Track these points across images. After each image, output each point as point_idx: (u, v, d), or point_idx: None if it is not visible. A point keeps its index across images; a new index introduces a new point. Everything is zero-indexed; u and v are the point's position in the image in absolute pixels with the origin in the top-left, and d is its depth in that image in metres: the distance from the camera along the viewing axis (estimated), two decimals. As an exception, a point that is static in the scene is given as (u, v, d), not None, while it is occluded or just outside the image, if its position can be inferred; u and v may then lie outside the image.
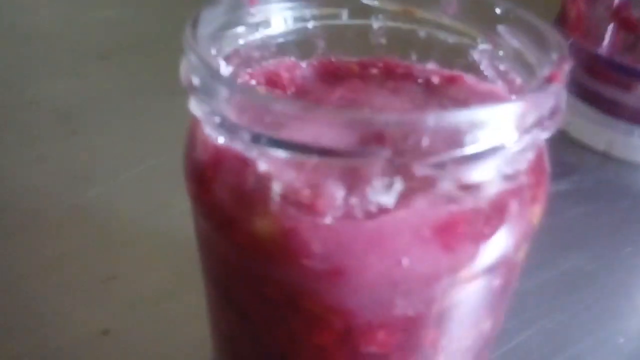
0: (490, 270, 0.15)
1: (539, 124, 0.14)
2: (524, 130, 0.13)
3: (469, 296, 0.16)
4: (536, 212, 0.16)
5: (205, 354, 0.24)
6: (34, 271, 0.31)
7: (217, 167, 0.16)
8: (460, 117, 0.12)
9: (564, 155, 0.43)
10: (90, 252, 0.32)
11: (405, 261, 0.14)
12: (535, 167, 0.16)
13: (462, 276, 0.15)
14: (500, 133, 0.13)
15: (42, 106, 0.45)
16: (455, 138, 0.13)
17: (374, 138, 0.13)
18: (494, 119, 0.13)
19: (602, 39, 0.39)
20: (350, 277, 0.14)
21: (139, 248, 0.32)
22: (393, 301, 0.15)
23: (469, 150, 0.13)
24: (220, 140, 0.15)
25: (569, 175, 0.40)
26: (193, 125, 0.17)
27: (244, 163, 0.15)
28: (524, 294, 0.30)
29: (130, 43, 0.54)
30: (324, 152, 0.13)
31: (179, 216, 0.34)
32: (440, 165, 0.13)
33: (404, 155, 0.13)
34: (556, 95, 0.14)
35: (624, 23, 0.38)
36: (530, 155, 0.15)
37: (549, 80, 0.14)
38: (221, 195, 0.15)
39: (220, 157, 0.15)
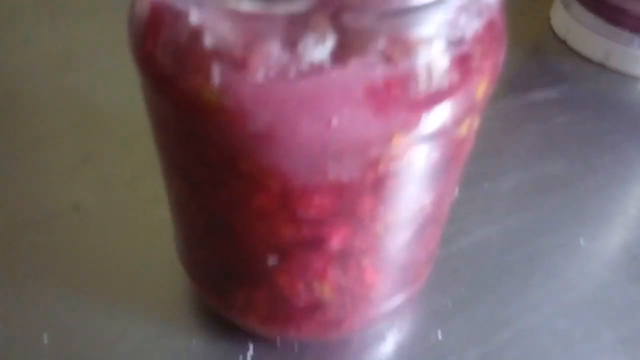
0: (427, 140, 0.15)
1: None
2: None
3: (405, 166, 0.16)
4: (481, 86, 0.15)
5: (170, 239, 0.25)
6: (10, 151, 0.31)
7: (153, 23, 0.15)
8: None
9: (559, 64, 0.41)
10: (68, 134, 0.33)
11: (335, 122, 0.14)
12: (484, 38, 0.15)
13: (396, 143, 0.15)
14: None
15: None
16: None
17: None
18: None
19: None
20: (282, 138, 0.14)
21: (115, 131, 0.33)
22: (325, 165, 0.15)
23: (405, 3, 0.12)
24: (155, -10, 0.14)
25: (561, 84, 0.39)
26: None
27: (178, 16, 0.14)
28: (493, 193, 0.31)
29: None
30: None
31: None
32: (376, 17, 0.12)
33: (335, 3, 0.12)
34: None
35: None
36: (477, 24, 0.15)
37: None
38: (157, 54, 0.15)
39: (155, 12, 0.15)
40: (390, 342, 0.24)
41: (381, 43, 0.13)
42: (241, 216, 0.17)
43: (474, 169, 0.32)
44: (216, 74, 0.14)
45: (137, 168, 0.31)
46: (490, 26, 0.15)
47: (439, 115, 0.15)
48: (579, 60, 0.41)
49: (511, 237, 0.29)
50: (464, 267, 0.27)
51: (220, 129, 0.15)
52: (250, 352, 0.23)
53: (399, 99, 0.14)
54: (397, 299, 0.22)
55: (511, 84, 0.39)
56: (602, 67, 0.40)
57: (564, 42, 0.43)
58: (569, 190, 0.31)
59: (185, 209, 0.19)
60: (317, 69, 0.14)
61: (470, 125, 0.17)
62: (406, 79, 0.14)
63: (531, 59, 0.42)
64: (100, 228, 0.28)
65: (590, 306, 0.26)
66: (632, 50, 0.39)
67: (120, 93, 0.35)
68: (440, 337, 0.24)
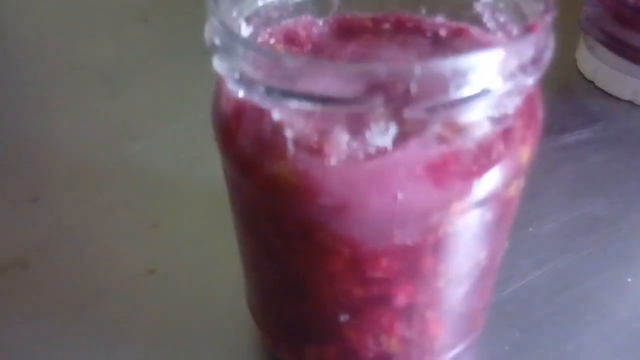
0: (480, 204, 0.17)
1: (521, 70, 0.15)
2: (507, 76, 0.15)
3: (461, 228, 0.18)
4: (524, 152, 0.17)
5: (238, 288, 0.27)
6: (83, 220, 0.34)
7: (238, 119, 0.18)
8: (444, 65, 0.14)
9: (589, 104, 0.43)
10: (134, 202, 0.35)
11: (400, 196, 0.16)
12: (525, 111, 0.17)
13: (453, 210, 0.17)
14: (484, 79, 0.15)
15: (87, 68, 0.48)
16: (442, 84, 0.14)
17: (373, 87, 0.15)
18: (476, 65, 0.14)
19: (630, -16, 0.39)
20: (354, 210, 0.16)
21: (178, 197, 0.35)
22: (392, 232, 0.17)
23: (455, 95, 0.14)
24: (240, 94, 0.17)
25: (594, 124, 0.41)
26: (218, 83, 0.19)
27: (261, 114, 0.17)
28: (538, 236, 0.32)
29: (169, 5, 0.57)
30: (328, 100, 0.15)
31: (212, 168, 0.37)
32: (430, 110, 0.15)
33: (396, 102, 0.14)
34: (536, 43, 0.15)
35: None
36: (517, 100, 0.17)
37: (529, 30, 0.15)
38: (243, 143, 0.18)
39: (240, 109, 0.18)
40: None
41: (436, 128, 0.16)
42: (314, 278, 0.19)
43: (516, 214, 0.34)
44: (296, 160, 0.16)
45: (200, 231, 0.33)
46: (529, 100, 0.17)
47: (489, 182, 0.17)
48: (608, 100, 0.43)
49: (559, 279, 0.30)
50: (515, 313, 0.28)
51: (300, 206, 0.17)
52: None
53: (454, 172, 0.16)
54: (459, 348, 0.23)
55: (543, 127, 0.41)
56: (631, 104, 0.42)
57: (591, 83, 0.44)
58: (610, 230, 0.32)
59: (261, 271, 0.21)
60: (382, 152, 0.16)
61: (517, 186, 0.19)
62: (459, 155, 0.16)
63: (561, 102, 0.44)
64: (175, 289, 0.30)
65: (643, 344, 0.27)
66: (660, 87, 0.41)
67: (179, 161, 0.38)
68: (500, 381, 0.25)
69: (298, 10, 0.23)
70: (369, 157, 0.16)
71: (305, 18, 0.23)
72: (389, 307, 0.20)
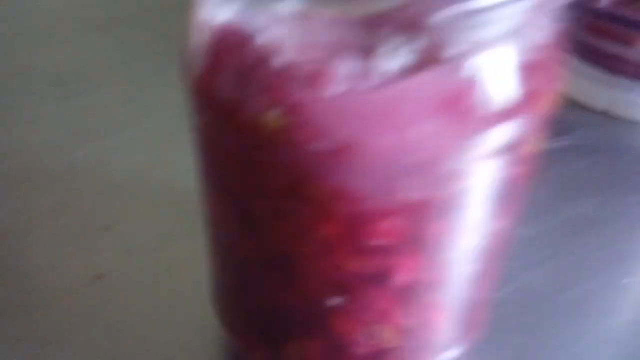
0: (497, 155, 0.15)
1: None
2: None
3: (474, 186, 0.15)
4: (548, 98, 0.15)
5: (198, 298, 0.24)
6: (30, 222, 0.30)
7: (215, 50, 0.15)
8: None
9: (564, 114, 0.42)
10: (85, 205, 0.32)
11: (409, 133, 0.13)
12: (552, 47, 0.15)
13: (467, 157, 0.14)
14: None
15: (38, 73, 0.45)
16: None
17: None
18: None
19: (602, -6, 0.39)
20: (355, 153, 0.14)
21: (132, 201, 0.32)
22: (398, 181, 0.14)
23: (475, 3, 0.12)
24: (219, 17, 0.14)
25: (570, 133, 0.40)
26: (191, 12, 0.16)
27: (244, 40, 0.14)
28: (531, 237, 0.30)
29: (128, 16, 0.54)
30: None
31: (171, 172, 0.34)
32: (448, 21, 0.12)
33: (415, 7, 0.12)
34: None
35: (623, -25, 0.37)
36: (547, 31, 0.15)
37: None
38: (220, 79, 0.15)
39: (218, 38, 0.15)
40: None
41: (451, 51, 0.13)
42: (302, 251, 0.16)
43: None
44: (285, 93, 0.14)
45: (154, 236, 0.30)
46: (557, 35, 0.15)
47: (509, 128, 0.15)
48: (583, 110, 0.42)
49: (555, 280, 0.28)
50: (513, 317, 0.26)
51: (291, 151, 0.14)
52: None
53: (470, 109, 0.14)
54: (459, 348, 0.20)
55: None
56: (605, 115, 0.41)
57: (566, 94, 0.44)
58: (601, 231, 0.31)
59: (235, 251, 0.18)
60: (388, 80, 0.13)
61: (537, 145, 0.16)
62: (477, 89, 0.14)
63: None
64: (124, 297, 0.26)
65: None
66: (634, 97, 0.40)
67: (132, 165, 0.35)
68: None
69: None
70: (373, 87, 0.13)
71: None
72: (387, 288, 0.17)
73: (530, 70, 0.14)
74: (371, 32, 0.13)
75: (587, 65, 0.42)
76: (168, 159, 0.35)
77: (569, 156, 0.38)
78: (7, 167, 0.35)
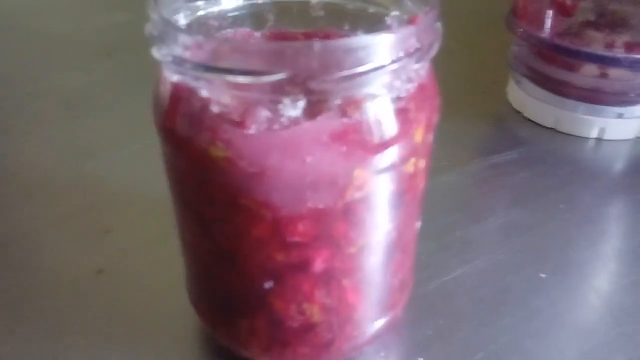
0: (381, 173, 0.20)
1: (407, 54, 0.19)
2: (395, 58, 0.18)
3: (367, 196, 0.20)
4: (418, 132, 0.21)
5: (182, 291, 0.29)
6: (42, 226, 0.36)
7: (173, 101, 0.20)
8: (341, 43, 0.17)
9: (517, 131, 0.47)
10: (89, 211, 0.37)
11: (309, 160, 0.19)
12: (418, 96, 0.21)
13: (357, 176, 0.20)
14: (375, 57, 0.18)
15: (50, 96, 0.51)
16: (340, 60, 0.17)
17: (284, 64, 0.18)
18: (368, 45, 0.17)
19: (545, 24, 0.44)
20: (272, 175, 0.19)
21: (131, 209, 0.38)
22: (305, 195, 0.20)
23: (352, 70, 0.18)
24: (174, 76, 0.20)
25: (520, 147, 0.45)
26: (157, 73, 0.22)
27: (191, 93, 0.20)
28: (465, 241, 0.35)
29: (133, 43, 0.60)
30: (244, 73, 0.18)
31: (163, 184, 0.39)
32: (330, 82, 0.18)
33: (301, 75, 0.17)
34: (417, 34, 0.19)
35: (559, 9, 0.42)
36: (409, 87, 0.20)
37: (410, 22, 0.19)
38: (177, 121, 0.20)
39: (175, 92, 0.20)
40: (378, 369, 0.27)
41: (338, 101, 0.19)
42: (242, 246, 0.21)
43: (448, 220, 0.37)
44: (221, 131, 0.19)
45: (150, 238, 0.35)
46: (421, 88, 0.21)
47: (388, 154, 0.20)
48: (534, 127, 0.47)
49: (482, 275, 0.33)
50: (440, 303, 0.31)
51: (226, 172, 0.19)
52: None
53: (355, 141, 0.19)
54: (379, 323, 0.25)
55: (477, 149, 0.45)
56: (553, 131, 0.46)
57: (520, 113, 0.49)
58: (530, 234, 0.36)
59: (196, 247, 0.24)
60: (293, 122, 0.19)
61: (416, 164, 0.22)
62: (359, 127, 0.19)
63: (493, 129, 0.48)
64: (121, 288, 0.32)
65: (554, 327, 0.29)
66: (578, 115, 0.45)
67: (133, 178, 0.40)
68: (422, 361, 0.27)
69: (236, 22, 0.26)
70: (282, 127, 0.19)
71: (244, 29, 0.26)
72: (309, 273, 0.22)
73: (399, 112, 0.20)
74: (277, 91, 0.18)
75: (536, 86, 0.47)
76: (162, 173, 0.41)
77: (516, 167, 0.43)
78: (22, 179, 0.40)
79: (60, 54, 0.59)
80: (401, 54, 0.19)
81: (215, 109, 0.19)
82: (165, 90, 0.21)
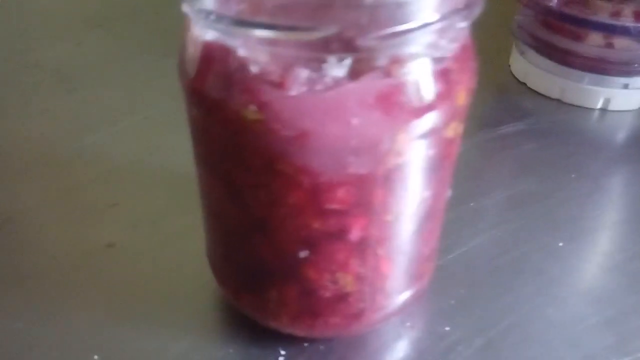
0: (422, 138, 0.19)
1: (454, 12, 0.18)
2: (443, 15, 0.17)
3: (407, 161, 0.20)
4: (461, 94, 0.20)
5: (196, 264, 0.29)
6: (48, 201, 0.35)
7: (205, 62, 0.19)
8: None
9: (522, 102, 0.47)
10: (93, 185, 0.36)
11: (354, 122, 0.18)
12: (460, 57, 0.20)
13: (400, 140, 0.19)
14: (423, 13, 0.17)
15: (43, 68, 0.49)
16: (390, 17, 0.17)
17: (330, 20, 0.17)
18: (419, 0, 0.17)
19: (553, -8, 0.44)
20: (313, 138, 0.18)
21: (137, 181, 0.36)
22: (347, 159, 0.19)
23: (400, 26, 0.17)
24: (207, 35, 0.19)
25: (526, 118, 0.45)
26: (185, 30, 0.20)
27: (227, 53, 0.19)
28: (478, 211, 0.35)
29: (124, 12, 0.59)
30: (287, 29, 0.17)
31: (171, 155, 0.38)
32: (380, 40, 0.17)
33: (352, 30, 0.17)
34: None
35: (568, -24, 0.42)
36: (453, 46, 0.19)
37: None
38: (210, 84, 0.19)
39: (207, 50, 0.19)
40: (405, 339, 0.27)
41: (383, 61, 0.18)
42: (276, 213, 0.21)
43: (460, 191, 0.37)
44: (260, 93, 0.18)
45: (158, 210, 0.34)
46: (464, 48, 0.20)
47: (430, 117, 0.19)
48: (539, 98, 0.47)
49: (499, 245, 0.33)
50: (461, 273, 0.31)
51: (263, 137, 0.19)
52: (282, 355, 0.26)
53: (399, 103, 0.18)
54: (408, 292, 0.25)
55: (483, 121, 0.44)
56: (558, 102, 0.46)
57: (524, 84, 0.48)
58: (542, 203, 0.36)
59: (224, 215, 0.23)
60: (337, 83, 0.18)
61: (456, 129, 0.21)
62: (405, 88, 0.18)
63: (497, 100, 0.48)
64: (131, 261, 0.31)
65: (573, 295, 0.29)
66: (583, 86, 0.45)
67: (135, 150, 0.39)
68: (448, 330, 0.27)
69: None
70: (325, 88, 0.18)
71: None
72: (345, 242, 0.21)
73: (443, 73, 0.19)
74: (321, 49, 0.17)
75: (542, 57, 0.47)
76: (166, 144, 0.40)
77: (523, 138, 0.42)
78: (21, 154, 0.39)
79: (49, 26, 0.57)
80: (449, 11, 0.18)
81: (253, 69, 0.18)
82: (196, 51, 0.20)
